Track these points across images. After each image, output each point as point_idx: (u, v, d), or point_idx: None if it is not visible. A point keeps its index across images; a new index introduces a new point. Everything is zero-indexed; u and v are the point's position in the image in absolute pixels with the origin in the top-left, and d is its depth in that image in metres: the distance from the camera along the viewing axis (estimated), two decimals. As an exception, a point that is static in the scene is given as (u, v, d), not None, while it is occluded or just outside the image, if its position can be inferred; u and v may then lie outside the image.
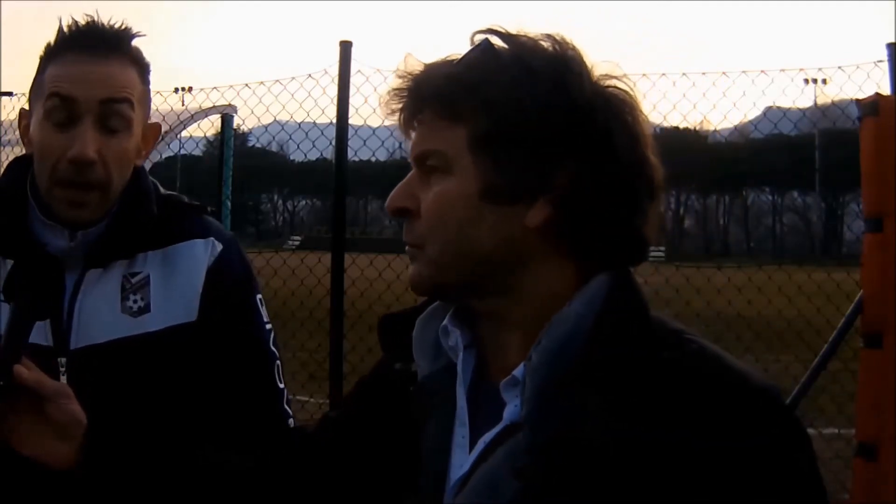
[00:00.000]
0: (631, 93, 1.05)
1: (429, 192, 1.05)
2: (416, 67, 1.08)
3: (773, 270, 6.92)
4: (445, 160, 1.04)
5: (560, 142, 1.00)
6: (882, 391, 3.20)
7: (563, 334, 0.99)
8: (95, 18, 1.47)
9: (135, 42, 1.50)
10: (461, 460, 1.04)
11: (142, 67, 1.50)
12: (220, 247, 1.56)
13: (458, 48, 1.07)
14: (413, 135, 1.08)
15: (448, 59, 1.07)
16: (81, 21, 1.47)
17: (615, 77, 1.04)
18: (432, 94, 1.05)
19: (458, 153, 1.03)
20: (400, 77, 1.08)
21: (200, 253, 1.54)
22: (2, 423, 1.21)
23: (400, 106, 1.08)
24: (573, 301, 1.01)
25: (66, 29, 1.47)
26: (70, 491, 1.24)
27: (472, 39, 1.06)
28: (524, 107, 1.00)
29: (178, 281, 1.52)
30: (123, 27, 1.48)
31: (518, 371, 1.00)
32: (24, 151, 1.59)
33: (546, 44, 1.04)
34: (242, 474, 1.27)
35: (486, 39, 1.04)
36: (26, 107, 1.56)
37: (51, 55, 1.47)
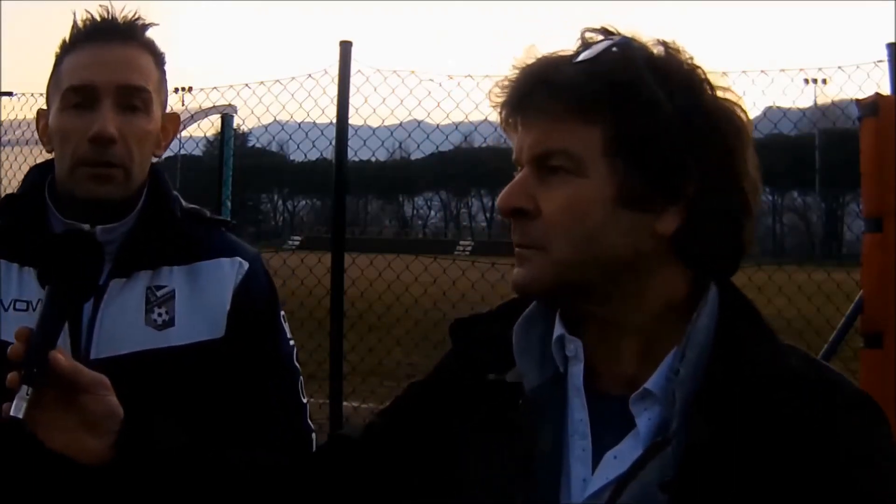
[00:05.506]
0: (743, 104, 1.05)
1: (550, 192, 1.01)
2: (535, 59, 1.03)
3: (773, 270, 6.91)
4: (576, 161, 1.00)
5: (691, 150, 1.00)
6: (882, 391, 3.20)
7: (699, 347, 1.00)
8: (109, 10, 1.48)
9: (148, 33, 1.50)
10: (582, 473, 1.02)
11: (156, 56, 1.51)
12: (246, 266, 1.56)
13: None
14: (525, 131, 1.03)
15: (565, 53, 1.03)
16: (95, 14, 1.48)
17: (727, 88, 1.04)
18: (567, 88, 1.00)
19: (592, 154, 1.00)
20: (517, 68, 1.04)
21: (227, 271, 1.54)
22: (31, 413, 1.11)
23: (513, 98, 1.03)
24: (700, 314, 1.02)
25: (80, 23, 1.48)
26: (98, 487, 1.20)
27: (584, 38, 1.03)
28: (663, 112, 0.98)
29: (205, 298, 1.51)
30: (136, 17, 1.49)
31: (651, 384, 1.00)
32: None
33: (662, 49, 1.03)
34: (284, 479, 1.22)
35: (625, 38, 1.02)
36: (44, 107, 1.55)
37: (66, 50, 1.48)
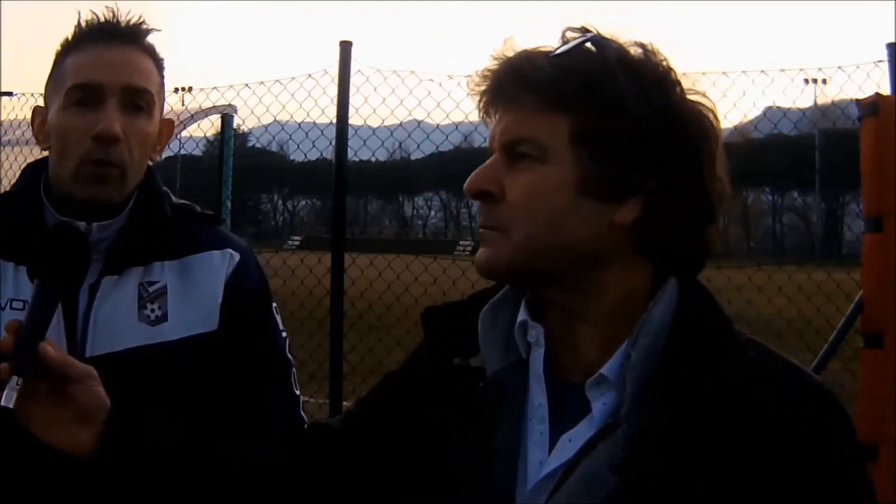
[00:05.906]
0: (715, 110, 1.07)
1: (516, 177, 1.05)
2: (514, 52, 1.07)
3: (773, 270, 6.91)
4: (542, 149, 1.04)
5: (658, 146, 1.03)
6: (882, 391, 3.20)
7: (653, 334, 1.02)
8: (115, 12, 1.49)
9: (150, 38, 1.52)
10: (539, 457, 1.05)
11: (157, 60, 1.52)
12: (237, 257, 1.57)
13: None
14: (499, 119, 1.08)
15: (544, 48, 1.07)
16: (100, 15, 1.49)
17: (700, 92, 1.07)
18: (539, 80, 1.04)
19: (558, 143, 1.03)
20: (496, 59, 1.08)
21: (218, 264, 1.55)
22: (22, 406, 1.12)
23: (490, 88, 1.08)
24: (657, 302, 1.04)
25: (84, 23, 1.49)
26: (89, 478, 1.20)
27: (564, 36, 1.07)
28: (632, 107, 1.02)
29: (196, 292, 1.52)
30: (141, 21, 1.50)
31: (606, 370, 1.03)
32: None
33: (639, 50, 1.05)
34: (266, 467, 1.23)
35: (598, 35, 1.05)
36: (41, 104, 1.56)
37: (69, 48, 1.49)
